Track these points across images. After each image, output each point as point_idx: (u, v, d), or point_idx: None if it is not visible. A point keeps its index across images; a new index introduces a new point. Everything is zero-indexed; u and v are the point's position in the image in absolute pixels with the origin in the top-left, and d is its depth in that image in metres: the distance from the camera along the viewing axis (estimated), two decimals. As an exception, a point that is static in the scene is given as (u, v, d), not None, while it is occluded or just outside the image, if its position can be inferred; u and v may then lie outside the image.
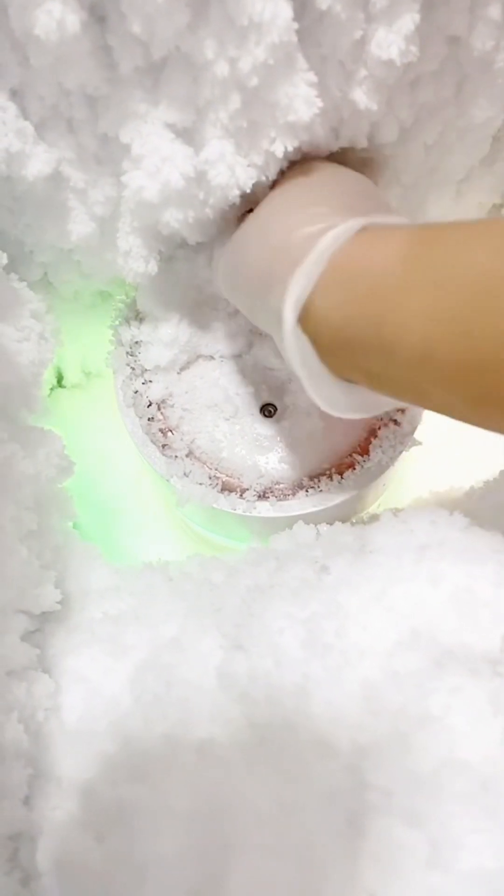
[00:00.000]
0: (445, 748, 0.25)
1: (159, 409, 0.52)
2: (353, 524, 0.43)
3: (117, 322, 0.53)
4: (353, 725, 0.28)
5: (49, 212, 0.43)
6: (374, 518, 0.39)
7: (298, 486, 0.51)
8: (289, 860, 0.25)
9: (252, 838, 0.26)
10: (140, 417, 0.52)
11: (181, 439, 0.52)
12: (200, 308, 0.52)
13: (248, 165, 0.38)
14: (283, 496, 0.50)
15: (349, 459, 0.51)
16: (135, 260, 0.44)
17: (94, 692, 0.37)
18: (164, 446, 0.52)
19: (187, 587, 0.45)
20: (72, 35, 0.32)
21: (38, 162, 0.38)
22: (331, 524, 0.45)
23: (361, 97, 0.38)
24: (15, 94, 0.37)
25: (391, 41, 0.35)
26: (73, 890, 0.28)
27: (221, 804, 0.26)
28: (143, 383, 0.53)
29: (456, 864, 0.23)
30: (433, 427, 0.62)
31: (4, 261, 0.42)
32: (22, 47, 0.34)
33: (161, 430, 0.52)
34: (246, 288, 0.40)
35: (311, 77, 0.35)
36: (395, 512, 0.38)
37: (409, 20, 0.35)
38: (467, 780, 0.25)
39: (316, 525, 0.47)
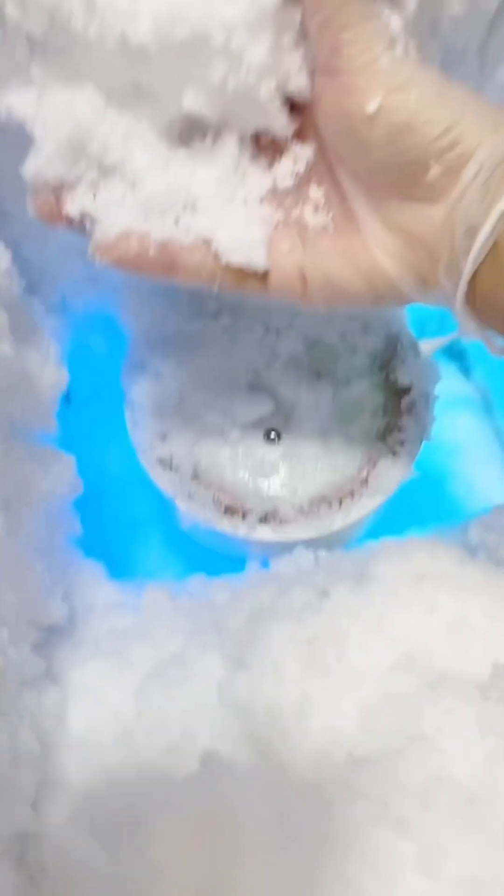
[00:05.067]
0: (436, 765, 0.27)
1: (165, 437, 0.54)
2: (352, 551, 0.45)
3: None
4: (350, 742, 0.30)
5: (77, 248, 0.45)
6: (374, 546, 0.41)
7: (299, 512, 0.53)
8: (287, 864, 0.27)
9: (254, 843, 0.27)
10: (148, 439, 0.54)
11: (187, 461, 0.54)
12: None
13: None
14: (284, 521, 0.52)
15: (349, 487, 0.53)
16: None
17: (100, 704, 0.39)
18: (170, 468, 0.54)
19: (190, 606, 0.47)
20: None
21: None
22: (330, 550, 0.47)
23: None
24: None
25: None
26: (78, 891, 0.30)
27: (226, 810, 0.28)
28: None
29: (444, 871, 0.25)
30: (431, 459, 0.64)
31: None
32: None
33: (168, 452, 0.54)
34: None
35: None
36: (394, 541, 0.40)
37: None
38: (456, 795, 0.27)
39: (315, 551, 0.49)
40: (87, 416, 0.67)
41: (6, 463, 0.39)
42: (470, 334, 0.35)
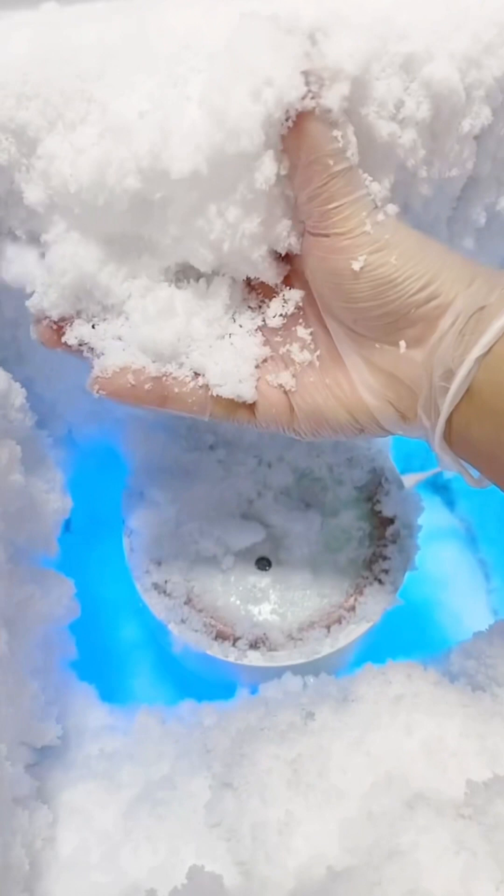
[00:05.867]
0: (412, 880, 0.28)
1: (160, 563, 0.57)
2: (337, 676, 0.47)
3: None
4: (331, 858, 0.31)
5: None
6: (357, 670, 0.42)
7: (288, 637, 0.54)
8: None
9: None
10: (144, 564, 0.57)
11: (181, 587, 0.56)
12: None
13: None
14: (274, 647, 0.54)
15: (337, 614, 0.55)
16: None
17: (89, 825, 0.40)
18: (164, 593, 0.56)
19: (179, 730, 0.47)
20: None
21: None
22: (317, 675, 0.49)
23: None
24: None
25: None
26: None
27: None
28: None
29: None
30: (415, 589, 0.66)
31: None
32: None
33: (163, 578, 0.56)
34: None
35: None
36: (375, 665, 0.42)
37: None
38: (430, 908, 0.28)
39: (303, 676, 0.51)
40: (86, 541, 0.70)
41: (10, 584, 0.41)
42: (447, 467, 0.37)
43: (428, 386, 0.35)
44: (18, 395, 0.41)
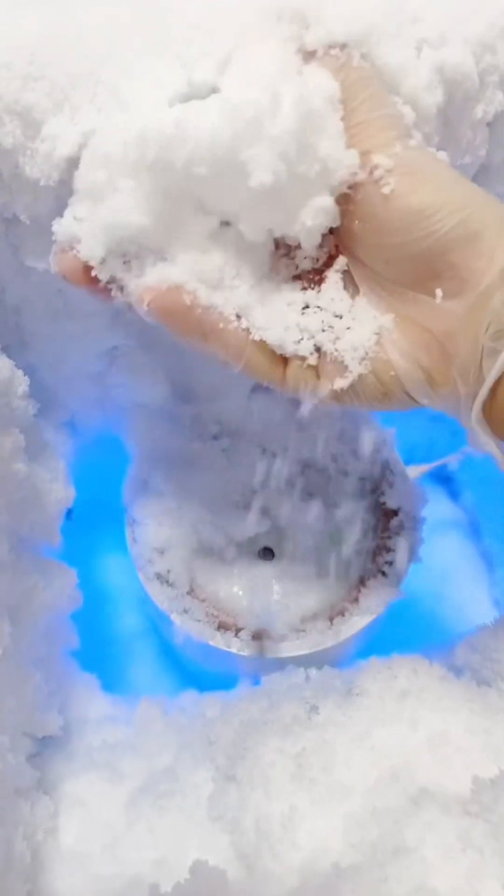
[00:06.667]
0: (418, 877, 0.28)
1: (163, 553, 0.56)
2: (340, 669, 0.46)
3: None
4: (335, 853, 0.31)
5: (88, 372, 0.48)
6: (362, 663, 0.42)
7: (291, 629, 0.54)
8: None
9: None
10: (147, 554, 0.56)
11: (183, 577, 0.56)
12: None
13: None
14: (277, 638, 0.54)
15: (340, 606, 0.55)
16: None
17: (90, 816, 0.39)
18: (166, 583, 0.55)
19: (182, 721, 0.47)
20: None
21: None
22: (319, 667, 0.48)
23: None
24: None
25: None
26: None
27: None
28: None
29: None
30: (419, 580, 0.66)
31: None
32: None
33: (165, 568, 0.56)
34: None
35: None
36: (381, 658, 0.42)
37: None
38: (437, 907, 0.28)
39: (306, 668, 0.50)
40: (88, 530, 0.69)
41: (13, 574, 0.41)
42: (478, 445, 0.33)
43: (470, 346, 0.31)
44: (22, 383, 0.41)
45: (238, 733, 0.41)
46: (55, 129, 0.34)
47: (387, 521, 0.58)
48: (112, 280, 0.34)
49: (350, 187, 0.32)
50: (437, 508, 0.71)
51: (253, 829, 0.34)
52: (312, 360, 0.35)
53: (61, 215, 0.35)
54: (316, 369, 0.36)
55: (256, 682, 0.52)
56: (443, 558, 0.71)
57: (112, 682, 0.55)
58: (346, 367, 0.34)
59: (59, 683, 0.49)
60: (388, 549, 0.57)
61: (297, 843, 0.32)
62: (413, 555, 0.56)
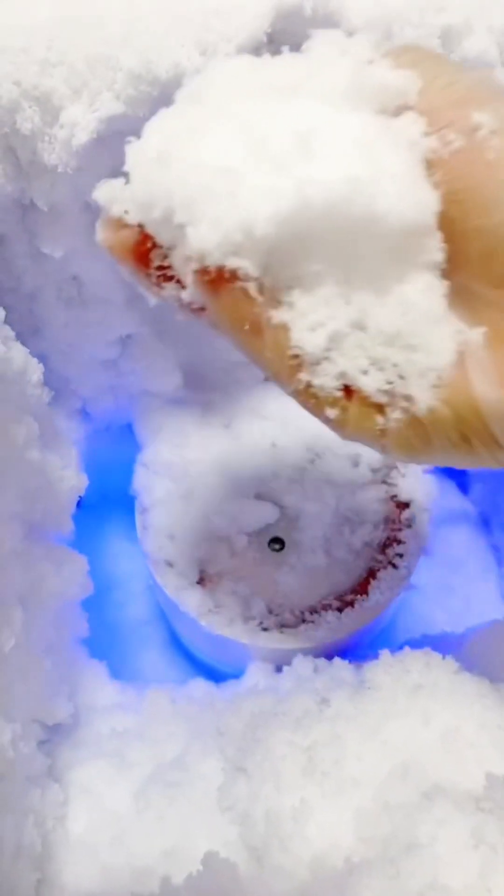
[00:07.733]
0: (430, 874, 0.28)
1: (173, 540, 0.56)
2: (349, 660, 0.46)
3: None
4: (347, 848, 0.31)
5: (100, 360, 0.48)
6: (373, 656, 0.42)
7: (300, 620, 0.54)
8: None
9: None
10: (156, 542, 0.56)
11: (193, 565, 0.56)
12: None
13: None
14: (286, 628, 0.54)
15: (349, 597, 0.55)
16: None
17: (99, 805, 0.39)
18: (176, 571, 0.55)
19: (190, 710, 0.47)
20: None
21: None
22: (329, 658, 0.48)
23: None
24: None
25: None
26: None
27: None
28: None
29: None
30: (428, 573, 0.66)
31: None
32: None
33: (174, 556, 0.56)
34: None
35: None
36: (393, 652, 0.42)
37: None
38: (449, 904, 0.27)
39: (314, 658, 0.50)
40: (97, 517, 0.69)
41: (25, 561, 0.41)
42: None
43: None
44: (36, 371, 0.41)
45: (248, 724, 0.41)
46: (74, 115, 0.34)
47: (398, 512, 0.58)
48: (164, 266, 0.27)
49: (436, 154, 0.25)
50: (446, 500, 0.71)
51: (263, 822, 0.34)
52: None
53: (78, 201, 0.35)
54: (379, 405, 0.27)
55: (265, 671, 0.52)
56: (452, 551, 0.71)
57: (120, 669, 0.55)
58: (410, 395, 0.26)
59: (68, 671, 0.49)
60: (399, 541, 0.56)
61: (307, 836, 0.32)
62: (423, 547, 0.56)
